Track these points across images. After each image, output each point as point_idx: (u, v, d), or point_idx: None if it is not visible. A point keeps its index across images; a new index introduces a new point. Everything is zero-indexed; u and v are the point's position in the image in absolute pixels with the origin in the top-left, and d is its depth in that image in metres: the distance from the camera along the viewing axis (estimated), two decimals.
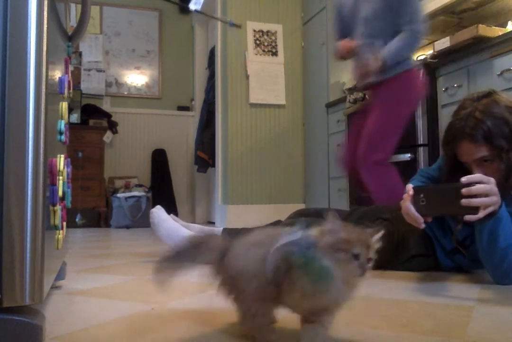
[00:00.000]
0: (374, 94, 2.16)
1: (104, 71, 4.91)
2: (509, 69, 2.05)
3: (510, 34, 2.08)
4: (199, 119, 4.70)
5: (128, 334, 0.81)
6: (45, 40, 0.71)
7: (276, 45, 4.06)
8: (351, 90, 3.07)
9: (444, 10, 2.75)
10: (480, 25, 2.29)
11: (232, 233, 1.77)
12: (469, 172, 1.22)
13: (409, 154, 2.50)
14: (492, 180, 1.10)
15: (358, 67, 2.03)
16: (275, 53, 4.05)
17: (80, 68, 4.81)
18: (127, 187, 4.63)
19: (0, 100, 0.68)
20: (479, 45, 2.23)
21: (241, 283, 0.71)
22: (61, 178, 0.83)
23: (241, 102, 3.91)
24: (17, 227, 0.68)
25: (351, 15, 2.24)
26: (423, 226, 1.17)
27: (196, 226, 1.90)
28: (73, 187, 1.32)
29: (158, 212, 1.81)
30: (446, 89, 2.40)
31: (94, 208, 4.37)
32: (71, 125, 1.36)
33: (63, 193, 0.92)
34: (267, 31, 4.05)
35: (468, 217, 1.10)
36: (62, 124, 0.94)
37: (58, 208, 0.82)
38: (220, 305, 1.03)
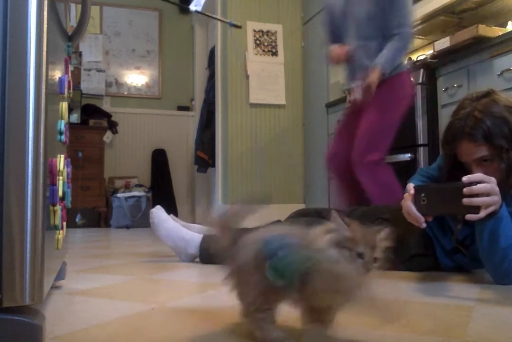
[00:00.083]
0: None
1: (104, 71, 4.91)
2: (509, 69, 2.05)
3: (510, 34, 2.08)
4: (199, 119, 4.70)
5: (128, 334, 0.81)
6: (45, 40, 0.71)
7: (276, 45, 4.06)
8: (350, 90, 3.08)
9: (444, 10, 2.75)
10: (480, 25, 2.29)
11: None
12: (469, 172, 1.22)
13: (409, 154, 2.51)
14: (493, 179, 1.10)
15: (361, 85, 2.06)
16: (275, 53, 4.05)
17: (80, 68, 4.81)
18: (127, 187, 4.63)
19: (0, 100, 0.68)
20: (479, 45, 2.23)
21: (246, 275, 0.71)
22: (61, 178, 0.83)
23: (241, 102, 3.92)
24: (17, 227, 0.68)
25: (342, 18, 2.26)
26: (424, 225, 1.17)
27: (196, 226, 1.90)
28: (73, 187, 1.32)
29: (158, 212, 1.81)
30: (446, 89, 2.40)
31: (94, 208, 4.37)
32: (71, 125, 1.36)
33: (63, 193, 0.92)
34: (267, 31, 4.05)
35: (469, 216, 1.10)
36: (62, 124, 0.94)
37: (58, 208, 0.82)
38: (220, 305, 1.04)
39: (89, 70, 4.86)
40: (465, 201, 1.08)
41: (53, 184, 0.79)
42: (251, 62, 3.94)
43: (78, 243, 2.71)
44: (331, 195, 3.52)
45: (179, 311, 0.98)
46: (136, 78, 5.06)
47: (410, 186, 1.20)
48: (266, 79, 3.97)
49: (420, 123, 2.49)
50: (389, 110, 2.06)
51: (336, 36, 2.31)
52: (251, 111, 3.94)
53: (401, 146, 2.59)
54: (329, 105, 3.56)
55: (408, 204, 1.17)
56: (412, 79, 2.27)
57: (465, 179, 1.10)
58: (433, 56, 2.58)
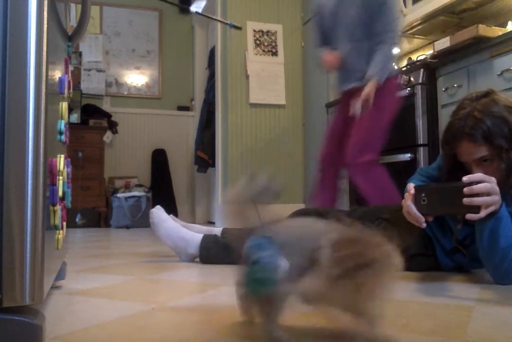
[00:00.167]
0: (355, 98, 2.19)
1: (104, 71, 4.91)
2: (509, 69, 2.05)
3: (510, 34, 2.08)
4: (199, 119, 4.70)
5: (128, 334, 0.81)
6: (45, 40, 0.71)
7: (276, 45, 4.06)
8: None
9: (444, 10, 2.75)
10: (480, 25, 2.29)
11: (232, 233, 1.77)
12: (469, 172, 1.22)
13: (409, 154, 2.51)
14: (493, 179, 1.10)
15: (359, 100, 2.10)
16: (275, 53, 4.05)
17: (80, 68, 4.81)
18: (127, 187, 4.63)
19: (0, 100, 0.68)
20: (479, 45, 2.23)
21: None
22: (61, 178, 0.83)
23: (241, 102, 3.92)
24: (17, 227, 0.68)
25: (332, 20, 2.28)
26: (424, 225, 1.17)
27: (196, 226, 1.90)
28: (73, 187, 1.32)
29: (158, 212, 1.81)
30: (446, 89, 2.40)
31: (94, 208, 4.37)
32: (71, 125, 1.36)
33: (63, 193, 0.92)
34: (267, 31, 4.05)
35: (470, 216, 1.10)
36: (62, 124, 0.94)
37: (58, 208, 0.82)
38: (220, 305, 1.04)
39: (89, 70, 4.86)
40: (466, 200, 1.08)
41: (53, 184, 0.79)
42: (251, 62, 3.94)
43: (78, 243, 2.71)
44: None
45: (179, 311, 0.98)
46: (136, 78, 5.06)
47: (410, 186, 1.20)
48: (266, 79, 3.98)
49: (420, 123, 2.49)
50: (381, 114, 2.11)
51: (326, 37, 2.35)
52: (251, 111, 3.94)
53: (401, 146, 2.59)
54: (329, 105, 3.56)
55: (408, 204, 1.17)
56: (399, 83, 2.34)
57: (465, 178, 1.10)
58: (433, 56, 2.58)
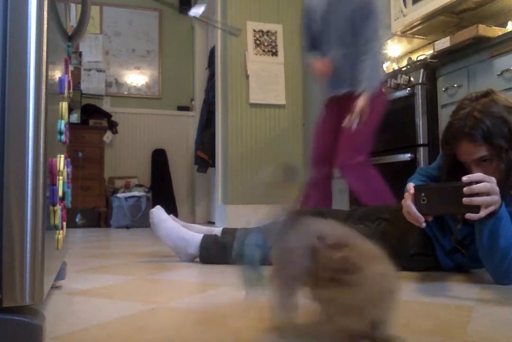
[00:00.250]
0: (347, 104, 2.22)
1: (104, 71, 4.91)
2: (509, 69, 2.05)
3: (510, 34, 2.07)
4: (199, 119, 4.70)
5: (128, 334, 0.81)
6: (45, 40, 0.71)
7: (276, 45, 4.06)
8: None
9: (444, 10, 2.75)
10: (480, 25, 2.29)
11: (231, 233, 1.77)
12: (468, 172, 1.22)
13: (409, 154, 2.51)
14: (493, 179, 1.10)
15: (354, 113, 2.15)
16: (275, 53, 4.05)
17: (80, 68, 4.81)
18: (127, 187, 4.63)
19: (0, 100, 0.68)
20: (479, 45, 2.23)
21: (282, 261, 0.74)
22: (61, 178, 0.83)
23: (241, 102, 3.92)
24: (17, 227, 0.68)
25: (322, 25, 2.32)
26: (424, 225, 1.17)
27: (196, 226, 1.90)
28: (73, 187, 1.32)
29: (158, 212, 1.81)
30: (446, 89, 2.40)
31: (94, 208, 4.37)
32: (71, 125, 1.36)
33: (63, 193, 0.92)
34: (267, 31, 4.05)
35: (469, 216, 1.10)
36: (62, 124, 0.94)
37: (58, 208, 0.82)
38: (220, 305, 1.04)
39: (89, 70, 4.86)
40: (465, 200, 1.08)
41: (53, 184, 0.79)
42: (251, 62, 3.94)
43: (78, 243, 2.71)
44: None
45: (179, 311, 0.98)
46: (136, 78, 5.06)
47: (410, 186, 1.20)
48: (266, 79, 3.98)
49: (420, 123, 2.49)
50: (370, 117, 2.17)
51: (315, 41, 2.38)
52: (251, 111, 3.94)
53: (401, 146, 2.59)
54: None
55: (408, 204, 1.17)
56: (385, 88, 2.41)
57: (465, 178, 1.10)
58: (433, 56, 2.58)
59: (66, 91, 0.98)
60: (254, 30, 4.01)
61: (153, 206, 1.92)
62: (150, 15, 5.12)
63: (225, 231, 1.84)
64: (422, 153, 2.48)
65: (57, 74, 0.92)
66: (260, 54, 3.99)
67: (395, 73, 2.75)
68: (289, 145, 4.04)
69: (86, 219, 4.03)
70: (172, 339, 0.78)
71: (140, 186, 4.66)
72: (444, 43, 2.51)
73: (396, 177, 2.28)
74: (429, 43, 3.10)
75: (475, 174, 1.12)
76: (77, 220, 3.84)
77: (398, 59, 3.48)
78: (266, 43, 4.03)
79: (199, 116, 4.73)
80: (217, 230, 1.87)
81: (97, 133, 4.48)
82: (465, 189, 1.08)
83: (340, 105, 2.31)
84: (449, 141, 1.27)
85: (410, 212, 1.17)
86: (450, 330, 0.81)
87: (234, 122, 3.89)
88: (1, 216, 0.67)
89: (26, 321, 0.68)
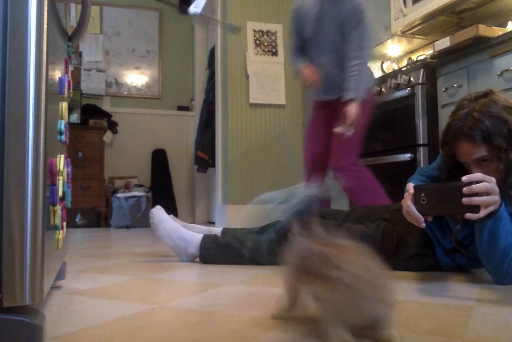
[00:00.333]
0: (337, 108, 2.25)
1: (104, 71, 4.91)
2: (509, 69, 2.05)
3: (510, 34, 2.08)
4: (199, 119, 4.70)
5: (128, 334, 0.81)
6: (45, 40, 0.71)
7: (276, 45, 4.06)
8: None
9: (444, 10, 2.75)
10: (480, 25, 2.29)
11: (231, 233, 1.77)
12: (468, 172, 1.22)
13: (409, 154, 2.51)
14: (493, 179, 1.10)
15: (345, 121, 2.17)
16: (275, 53, 4.05)
17: (80, 68, 4.81)
18: (127, 187, 4.63)
19: (0, 100, 0.68)
20: (479, 45, 2.23)
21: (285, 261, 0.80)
22: (61, 178, 0.83)
23: (241, 102, 3.91)
24: (17, 227, 0.68)
25: (314, 29, 2.31)
26: (423, 225, 1.17)
27: (196, 226, 1.90)
28: (73, 187, 1.32)
29: (158, 212, 1.81)
30: (446, 89, 2.40)
31: (94, 208, 4.37)
32: (71, 125, 1.36)
33: (63, 193, 0.92)
34: (267, 31, 4.05)
35: (469, 215, 1.10)
36: (62, 124, 0.94)
37: (58, 208, 0.82)
38: (220, 305, 1.04)
39: (89, 70, 4.86)
40: (465, 200, 1.08)
41: (53, 184, 0.79)
42: (251, 62, 3.94)
43: (78, 243, 2.71)
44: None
45: (179, 311, 0.98)
46: (136, 78, 5.06)
47: (410, 186, 1.20)
48: (266, 79, 3.97)
49: (420, 123, 2.49)
50: (360, 122, 2.19)
51: (305, 45, 2.38)
52: (251, 111, 3.94)
53: (401, 146, 2.59)
54: None
55: (408, 204, 1.17)
56: (373, 93, 2.47)
57: (465, 178, 1.10)
58: (433, 56, 2.58)
59: (66, 91, 0.98)
60: (254, 30, 4.00)
61: (153, 206, 1.92)
62: (150, 15, 5.12)
63: (225, 231, 1.84)
64: (422, 153, 2.48)
65: (57, 74, 0.92)
66: (260, 54, 3.99)
67: (395, 73, 2.75)
68: (289, 145, 4.03)
69: (86, 219, 4.03)
70: (172, 339, 0.78)
71: (140, 186, 4.66)
72: (444, 43, 2.51)
73: (396, 177, 2.29)
74: (429, 43, 3.11)
75: (474, 174, 1.12)
76: (77, 220, 3.85)
77: (398, 59, 3.48)
78: (266, 43, 4.03)
79: (199, 116, 4.72)
80: (217, 230, 1.87)
81: (97, 133, 4.48)
82: (464, 189, 1.08)
83: (329, 109, 2.36)
84: (449, 142, 1.27)
85: (410, 212, 1.17)
86: (450, 330, 0.81)
87: (234, 122, 3.89)
88: (1, 216, 0.68)
89: (26, 321, 0.68)
